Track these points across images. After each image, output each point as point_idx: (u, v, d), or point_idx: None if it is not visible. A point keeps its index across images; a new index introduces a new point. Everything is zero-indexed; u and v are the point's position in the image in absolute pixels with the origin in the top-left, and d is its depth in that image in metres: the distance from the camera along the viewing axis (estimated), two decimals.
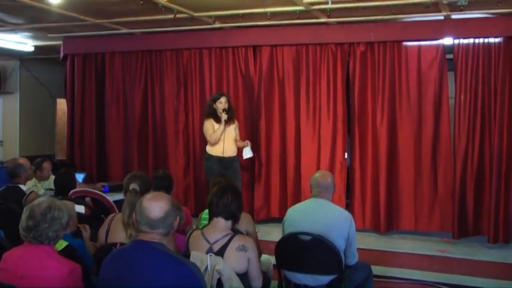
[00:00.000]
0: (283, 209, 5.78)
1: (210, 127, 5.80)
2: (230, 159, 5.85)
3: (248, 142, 5.88)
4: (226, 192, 3.15)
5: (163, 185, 3.84)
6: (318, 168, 5.99)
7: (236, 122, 5.99)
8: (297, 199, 5.85)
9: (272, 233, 5.47)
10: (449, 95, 5.80)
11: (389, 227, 5.93)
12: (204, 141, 6.64)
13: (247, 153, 5.86)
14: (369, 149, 6.00)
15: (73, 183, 4.50)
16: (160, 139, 6.94)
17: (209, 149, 5.87)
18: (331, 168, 6.03)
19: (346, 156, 6.11)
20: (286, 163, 6.33)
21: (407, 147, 5.89)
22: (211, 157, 5.83)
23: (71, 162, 7.36)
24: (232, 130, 5.87)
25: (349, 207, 6.06)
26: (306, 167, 6.15)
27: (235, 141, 5.90)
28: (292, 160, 6.30)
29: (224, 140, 5.73)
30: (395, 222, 5.96)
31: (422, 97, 5.84)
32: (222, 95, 5.87)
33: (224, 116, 5.70)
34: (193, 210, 6.19)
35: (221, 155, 5.75)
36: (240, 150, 5.94)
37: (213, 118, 5.79)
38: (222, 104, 5.74)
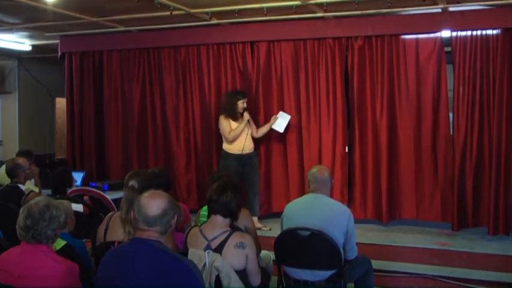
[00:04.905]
0: (285, 204, 5.78)
1: (227, 125, 5.78)
2: (249, 156, 5.85)
3: (276, 116, 5.97)
4: (226, 189, 3.15)
5: (156, 182, 3.76)
6: (320, 163, 6.00)
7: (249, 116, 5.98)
8: (301, 193, 5.84)
9: (273, 229, 5.48)
10: (448, 87, 5.79)
11: (391, 217, 5.95)
12: (205, 137, 6.68)
13: (282, 122, 5.95)
14: (369, 141, 6.00)
15: (69, 181, 4.49)
16: (160, 136, 6.94)
17: (227, 147, 5.85)
18: (333, 162, 6.04)
19: (347, 149, 6.11)
20: (287, 158, 6.33)
21: (407, 140, 5.88)
22: (229, 155, 5.81)
23: (71, 161, 7.37)
24: (248, 126, 5.86)
25: (350, 199, 6.08)
26: (307, 161, 6.15)
27: (256, 132, 5.97)
28: (293, 155, 6.29)
29: (246, 138, 5.74)
30: (397, 213, 5.98)
31: (421, 90, 5.83)
32: (245, 95, 5.88)
33: (247, 116, 5.72)
34: (195, 206, 6.20)
35: (240, 153, 5.75)
36: (257, 143, 6.00)
37: (231, 116, 5.79)
38: (243, 104, 5.78)
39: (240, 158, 5.78)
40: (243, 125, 5.73)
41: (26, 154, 5.68)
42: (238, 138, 5.76)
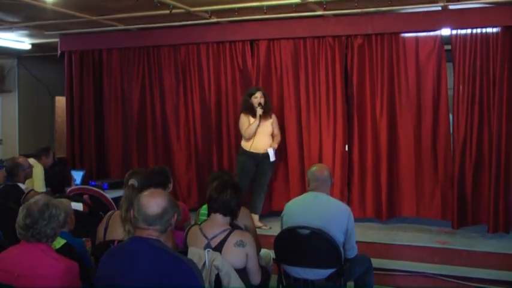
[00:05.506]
0: (285, 202, 5.77)
1: (246, 122, 5.74)
2: (264, 155, 5.75)
3: (274, 146, 5.82)
4: (226, 188, 3.15)
5: (156, 180, 3.75)
6: (320, 161, 6.00)
7: (274, 117, 5.91)
8: (301, 191, 5.83)
9: (273, 228, 5.48)
10: (448, 85, 5.78)
11: (391, 215, 5.96)
12: (205, 136, 6.68)
13: (271, 155, 5.81)
14: (368, 140, 6.00)
15: (68, 180, 4.49)
16: (160, 135, 6.94)
17: (243, 144, 5.81)
18: (333, 161, 6.04)
19: (347, 148, 6.11)
20: (287, 157, 6.32)
21: (407, 138, 5.88)
22: (245, 152, 5.77)
23: (71, 159, 7.37)
24: (269, 125, 5.79)
25: (350, 197, 6.08)
26: (307, 159, 6.15)
27: (272, 136, 5.84)
28: (293, 153, 6.28)
29: (256, 136, 5.67)
30: (397, 211, 5.99)
31: (421, 88, 5.82)
32: (257, 89, 5.82)
33: (259, 111, 5.64)
34: (196, 205, 6.18)
35: (250, 150, 5.69)
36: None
37: (249, 113, 5.73)
38: (257, 98, 5.69)
39: (255, 156, 5.72)
40: (257, 121, 5.66)
41: (44, 151, 5.79)
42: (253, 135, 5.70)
